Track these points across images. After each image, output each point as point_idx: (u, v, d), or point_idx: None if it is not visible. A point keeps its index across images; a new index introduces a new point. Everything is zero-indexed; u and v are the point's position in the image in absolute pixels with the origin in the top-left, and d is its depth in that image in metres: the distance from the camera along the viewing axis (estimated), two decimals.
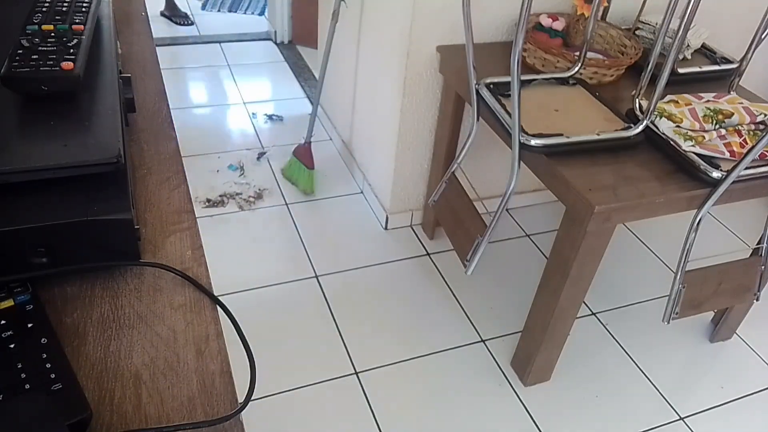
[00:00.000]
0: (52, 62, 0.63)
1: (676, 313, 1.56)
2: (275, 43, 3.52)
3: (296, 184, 2.38)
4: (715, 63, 1.86)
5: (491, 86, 1.57)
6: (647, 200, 1.31)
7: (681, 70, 1.76)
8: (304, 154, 2.37)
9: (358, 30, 2.21)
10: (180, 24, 3.48)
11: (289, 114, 2.83)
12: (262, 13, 3.87)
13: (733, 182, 1.31)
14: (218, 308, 0.61)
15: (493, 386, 1.73)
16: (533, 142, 1.37)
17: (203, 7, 3.90)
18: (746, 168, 1.29)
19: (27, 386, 0.48)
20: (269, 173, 2.46)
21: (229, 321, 0.59)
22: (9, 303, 0.55)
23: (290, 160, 2.43)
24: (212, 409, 0.51)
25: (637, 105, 1.51)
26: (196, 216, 0.71)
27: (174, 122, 0.85)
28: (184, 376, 0.53)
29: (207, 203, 2.26)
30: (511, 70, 1.22)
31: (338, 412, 1.62)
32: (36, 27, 0.68)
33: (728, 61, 1.84)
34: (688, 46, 1.87)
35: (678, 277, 1.51)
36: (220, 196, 2.30)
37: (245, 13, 3.89)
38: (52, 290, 0.59)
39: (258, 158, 2.50)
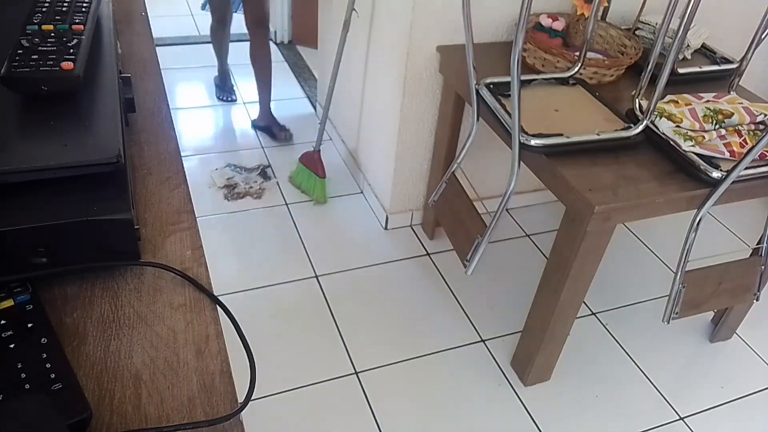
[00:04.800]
0: (52, 62, 0.63)
1: (676, 313, 1.56)
2: (275, 43, 3.52)
3: (307, 193, 2.35)
4: (715, 63, 1.86)
5: (491, 86, 1.57)
6: (647, 200, 1.31)
7: (681, 70, 1.76)
8: (314, 163, 2.32)
9: (358, 30, 2.20)
10: (223, 99, 2.98)
11: (288, 114, 2.83)
12: None
13: (733, 182, 1.31)
14: (218, 308, 0.61)
15: (493, 386, 1.73)
16: (533, 142, 1.37)
17: (203, 7, 3.88)
18: (746, 168, 1.29)
19: (27, 386, 0.48)
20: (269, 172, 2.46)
21: (229, 321, 0.59)
22: (9, 303, 0.55)
23: (298, 168, 2.38)
24: (212, 409, 0.51)
25: (637, 105, 1.51)
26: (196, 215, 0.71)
27: (174, 122, 0.85)
28: (184, 376, 0.53)
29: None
30: (511, 70, 1.22)
31: (338, 412, 1.62)
32: (36, 27, 0.68)
33: (728, 61, 1.84)
34: (688, 46, 1.87)
35: (678, 277, 1.51)
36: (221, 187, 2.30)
37: None
38: (52, 290, 0.59)
39: (260, 173, 2.48)
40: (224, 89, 2.98)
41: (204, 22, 3.68)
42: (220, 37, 2.80)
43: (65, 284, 0.60)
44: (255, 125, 2.73)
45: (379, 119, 2.15)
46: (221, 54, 2.90)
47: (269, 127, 2.64)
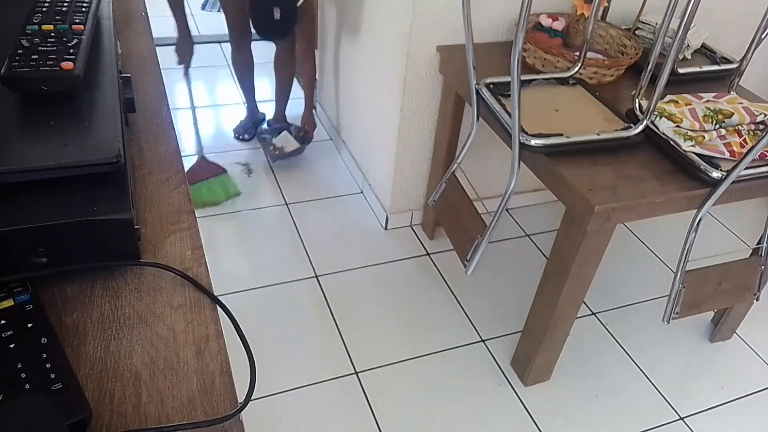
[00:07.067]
0: (52, 62, 0.63)
1: (676, 313, 1.56)
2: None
3: (219, 202, 2.27)
4: (715, 63, 1.86)
5: (491, 86, 1.57)
6: (647, 200, 1.31)
7: (681, 70, 1.76)
8: (205, 169, 2.30)
9: (358, 30, 2.21)
10: (240, 137, 2.62)
11: (288, 114, 2.82)
12: None
13: (733, 182, 1.31)
14: (218, 308, 0.61)
15: (493, 386, 1.73)
16: (533, 142, 1.37)
17: (203, 7, 3.90)
18: (746, 168, 1.29)
19: (27, 386, 0.48)
20: (269, 171, 2.46)
21: (229, 321, 0.59)
22: (9, 303, 0.55)
23: (194, 188, 2.26)
24: (212, 409, 0.51)
25: (637, 105, 1.51)
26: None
27: (174, 122, 0.85)
28: (184, 376, 0.53)
29: None
30: (511, 70, 1.22)
31: (338, 412, 1.62)
32: (36, 27, 0.68)
33: (728, 61, 1.84)
34: (688, 46, 1.87)
35: (678, 277, 1.51)
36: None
37: None
38: (52, 290, 0.59)
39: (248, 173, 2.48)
40: (247, 128, 2.63)
41: (204, 22, 3.69)
42: (241, 61, 2.43)
43: (65, 284, 0.60)
44: (270, 125, 2.62)
45: (379, 119, 2.15)
46: (248, 88, 2.52)
47: (281, 129, 2.54)
